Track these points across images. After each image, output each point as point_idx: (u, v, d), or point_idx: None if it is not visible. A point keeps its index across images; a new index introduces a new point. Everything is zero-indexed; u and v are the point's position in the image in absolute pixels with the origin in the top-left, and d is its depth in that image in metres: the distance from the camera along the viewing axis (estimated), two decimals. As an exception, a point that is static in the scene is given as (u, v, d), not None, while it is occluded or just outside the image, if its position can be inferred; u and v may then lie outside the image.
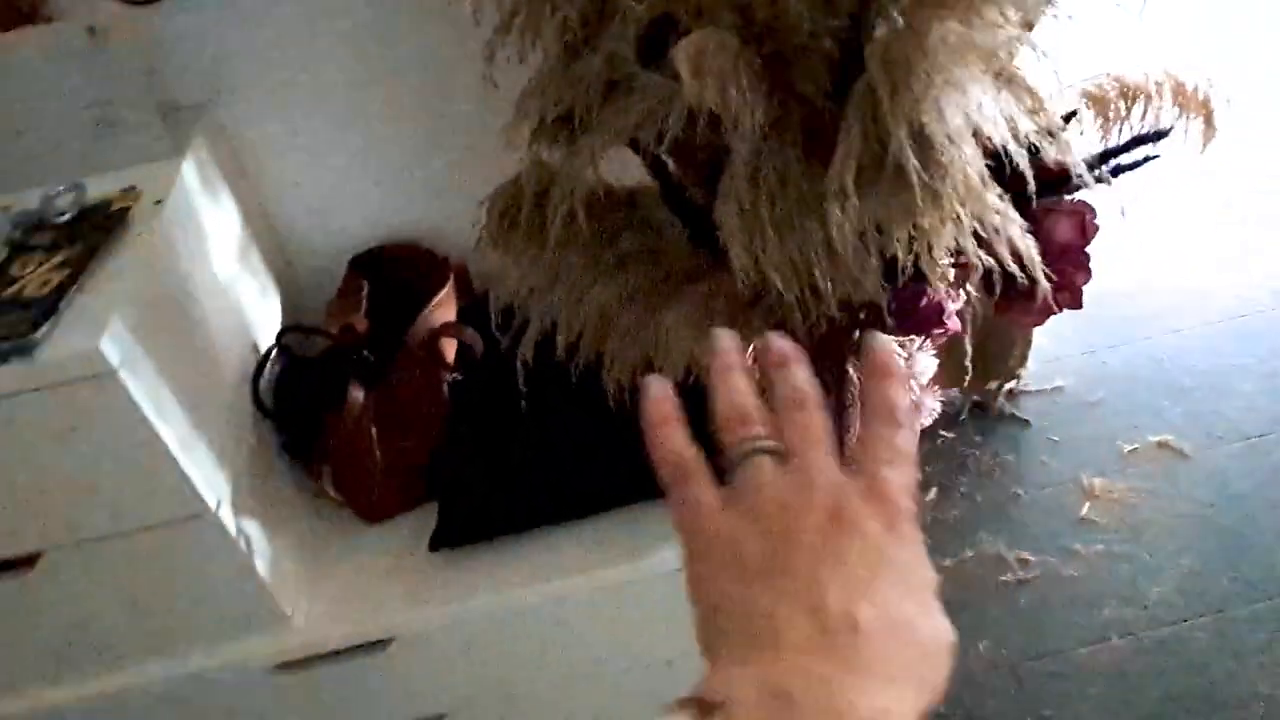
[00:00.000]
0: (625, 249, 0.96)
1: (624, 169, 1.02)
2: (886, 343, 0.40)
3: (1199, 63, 1.12)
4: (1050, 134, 0.73)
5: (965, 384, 1.79)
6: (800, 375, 0.37)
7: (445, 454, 1.20)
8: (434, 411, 1.22)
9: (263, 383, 1.15)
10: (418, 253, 1.36)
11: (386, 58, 1.22)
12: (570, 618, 1.17)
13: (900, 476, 0.37)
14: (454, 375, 1.25)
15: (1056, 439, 1.79)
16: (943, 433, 1.83)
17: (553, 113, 0.77)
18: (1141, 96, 1.11)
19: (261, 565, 1.06)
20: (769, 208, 0.85)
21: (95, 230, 0.96)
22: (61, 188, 1.01)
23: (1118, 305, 2.06)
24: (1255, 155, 2.28)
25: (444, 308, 1.25)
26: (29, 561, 0.97)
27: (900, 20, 0.74)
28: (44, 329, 0.84)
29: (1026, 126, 0.72)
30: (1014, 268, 0.84)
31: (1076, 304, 1.08)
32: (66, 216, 0.98)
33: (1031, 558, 1.59)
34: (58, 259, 0.93)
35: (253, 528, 1.05)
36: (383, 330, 1.23)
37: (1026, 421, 1.83)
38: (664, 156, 1.00)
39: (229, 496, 1.01)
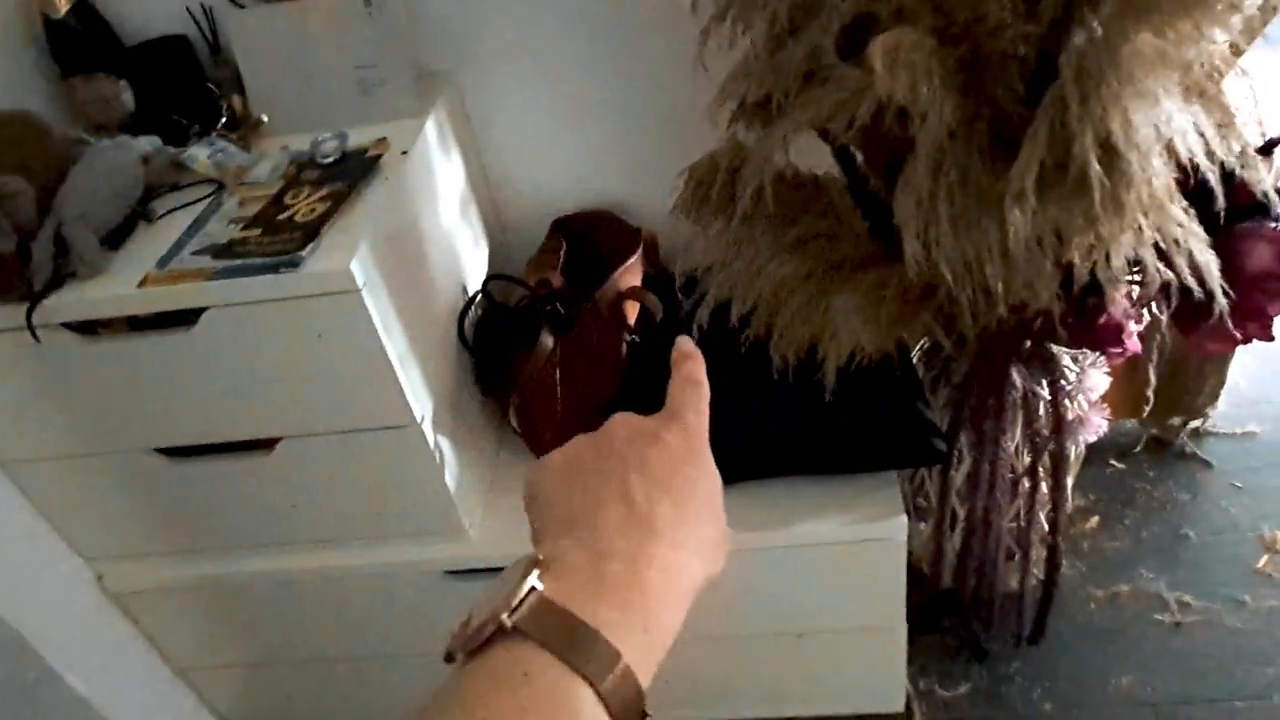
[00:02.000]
0: (805, 231, 1.02)
1: (813, 157, 1.08)
2: (689, 342, 0.53)
3: None
4: (1243, 154, 0.74)
5: (1145, 415, 1.73)
6: (694, 367, 0.51)
7: (618, 406, 1.31)
8: (613, 366, 1.33)
9: (466, 321, 1.30)
10: (613, 220, 1.47)
11: (608, 40, 1.33)
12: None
13: (698, 417, 0.48)
14: (633, 336, 1.35)
15: (1240, 485, 1.70)
16: (1113, 462, 1.78)
17: (753, 96, 0.85)
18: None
19: (450, 479, 1.20)
20: (947, 202, 0.89)
21: (353, 172, 1.12)
22: (328, 134, 1.18)
23: (1333, 355, 1.91)
24: None
25: (631, 273, 1.36)
26: (270, 444, 1.15)
27: (1098, 29, 0.77)
28: (309, 248, 1.00)
29: (1218, 144, 0.73)
30: (1192, 283, 0.84)
31: (1266, 335, 1.05)
32: (331, 159, 1.16)
33: (1194, 602, 1.53)
34: (322, 192, 1.10)
35: (446, 445, 1.20)
36: (575, 287, 1.35)
37: (1209, 463, 1.75)
38: (852, 148, 1.06)
39: (430, 414, 1.15)
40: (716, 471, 0.47)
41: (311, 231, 1.02)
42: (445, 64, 1.36)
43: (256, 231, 1.05)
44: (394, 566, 1.28)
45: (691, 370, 0.51)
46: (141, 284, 1.02)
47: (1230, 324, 1.00)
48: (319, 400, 1.10)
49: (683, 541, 0.43)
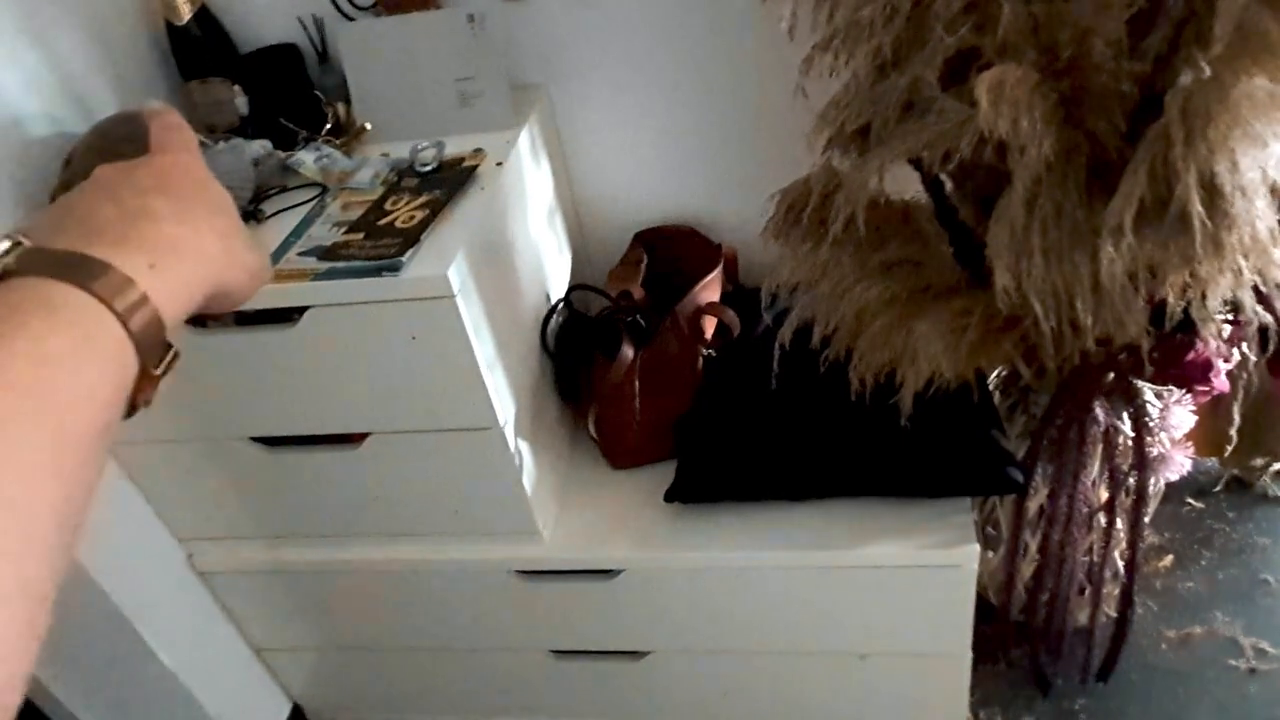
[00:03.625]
0: (892, 256, 1.03)
1: (899, 183, 1.09)
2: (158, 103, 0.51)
3: None
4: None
5: (1226, 454, 1.69)
6: (170, 117, 0.50)
7: (692, 419, 1.33)
8: (689, 379, 1.35)
9: (549, 329, 1.33)
10: (694, 236, 1.49)
11: (696, 58, 1.36)
12: (776, 590, 1.26)
13: (189, 153, 0.49)
14: (710, 350, 1.37)
15: (1325, 532, 1.65)
16: (1190, 501, 1.74)
17: (853, 124, 0.86)
18: None
19: (527, 483, 1.24)
20: (1041, 235, 0.90)
21: (450, 181, 1.17)
22: (427, 143, 1.23)
23: None
24: None
25: (711, 288, 1.38)
26: (359, 439, 1.20)
27: (1206, 70, 0.77)
28: (409, 253, 1.04)
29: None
30: (1289, 326, 0.83)
31: (1364, 381, 1.02)
32: (429, 167, 1.20)
33: (1271, 649, 1.49)
34: (421, 200, 1.14)
35: (525, 450, 1.23)
36: (654, 300, 1.38)
37: (1292, 508, 1.70)
38: (942, 176, 1.07)
39: (512, 418, 1.19)
40: (226, 192, 0.49)
41: (412, 238, 1.07)
42: (538, 77, 1.40)
43: (359, 235, 1.10)
44: (468, 564, 1.32)
45: (168, 118, 0.51)
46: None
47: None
48: (408, 400, 1.14)
49: (186, 220, 0.43)
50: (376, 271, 1.04)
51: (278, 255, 1.10)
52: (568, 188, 1.50)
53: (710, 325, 1.39)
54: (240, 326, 1.11)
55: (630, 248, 1.49)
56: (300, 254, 1.10)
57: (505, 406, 1.17)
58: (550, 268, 1.39)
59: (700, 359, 1.37)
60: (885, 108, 0.83)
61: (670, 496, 1.28)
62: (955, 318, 1.08)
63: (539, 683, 1.47)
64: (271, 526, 1.35)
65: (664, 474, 1.31)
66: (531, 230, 1.31)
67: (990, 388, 1.33)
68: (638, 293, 1.37)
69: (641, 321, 1.33)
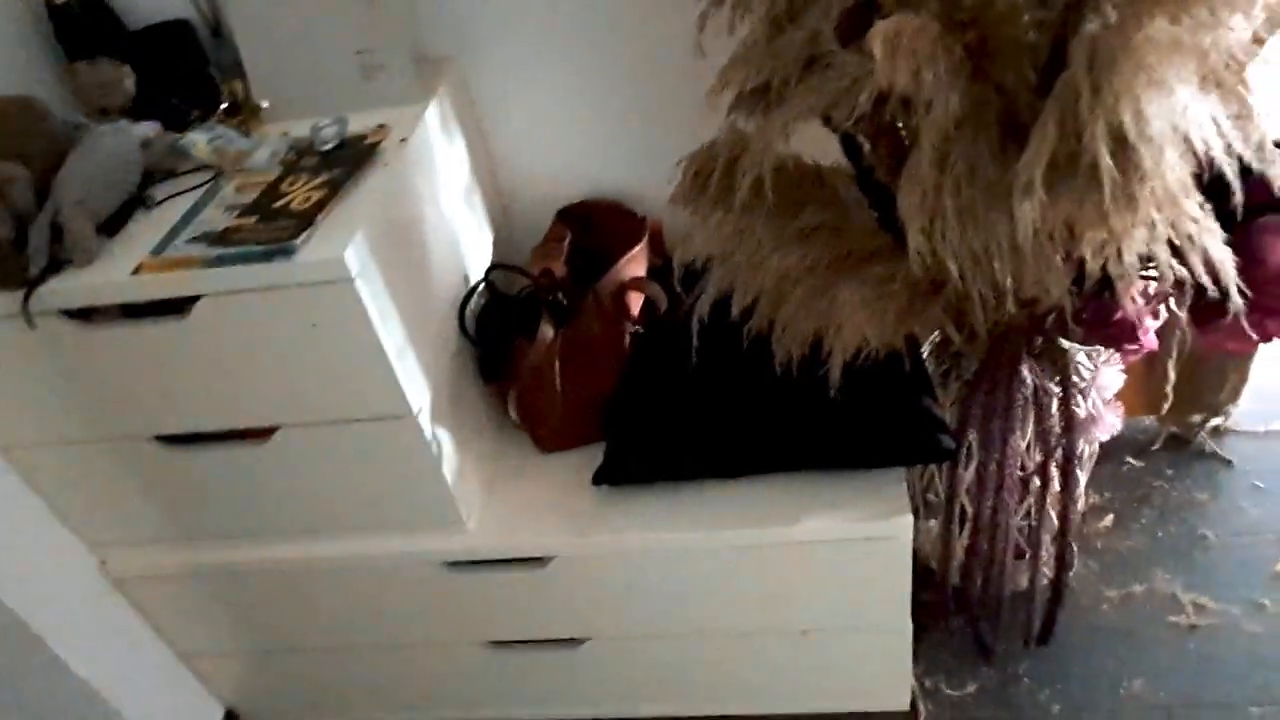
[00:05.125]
0: (809, 222, 1.00)
1: (822, 146, 1.06)
2: None
3: None
4: (1260, 148, 0.70)
5: (1163, 412, 1.69)
6: None
7: (619, 399, 1.29)
8: (614, 358, 1.31)
9: (468, 311, 1.29)
10: (619, 210, 1.45)
11: (610, 28, 1.31)
12: (713, 571, 1.24)
13: None
14: (637, 327, 1.33)
15: (1261, 485, 1.66)
16: (1130, 460, 1.74)
17: (752, 83, 0.82)
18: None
19: (448, 471, 1.19)
20: (954, 195, 0.86)
21: (351, 159, 1.11)
22: (328, 121, 1.17)
23: (1362, 353, 1.86)
24: None
25: (635, 263, 1.34)
26: (266, 433, 1.15)
27: (1112, 15, 0.74)
28: (303, 236, 0.99)
29: (1234, 136, 0.70)
30: (1207, 281, 0.81)
31: (1286, 333, 1.01)
32: (330, 145, 1.14)
33: (1210, 605, 1.50)
34: (319, 180, 1.08)
35: (445, 437, 1.19)
36: (578, 278, 1.34)
37: (1229, 462, 1.71)
38: (860, 138, 1.03)
39: (429, 405, 1.14)
40: None
41: (306, 220, 1.01)
42: (449, 50, 1.34)
43: (252, 219, 1.04)
44: (392, 557, 1.27)
45: None
46: (136, 271, 1.02)
47: (1248, 322, 0.96)
48: (314, 390, 1.09)
49: None
50: (268, 256, 0.99)
51: (165, 243, 1.04)
52: (486, 164, 1.45)
53: (637, 301, 1.36)
54: (128, 319, 1.05)
55: (553, 224, 1.45)
56: (190, 241, 1.04)
57: (419, 393, 1.12)
58: (468, 247, 1.34)
59: (627, 336, 1.33)
60: (785, 65, 0.80)
61: (599, 479, 1.24)
62: (879, 284, 1.05)
63: (475, 675, 1.44)
64: (185, 528, 1.29)
65: (594, 456, 1.27)
66: (444, 209, 1.26)
67: (924, 354, 1.31)
68: (560, 270, 1.32)
69: (563, 300, 1.28)
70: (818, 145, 1.03)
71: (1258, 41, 0.86)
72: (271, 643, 1.45)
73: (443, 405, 1.18)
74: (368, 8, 1.18)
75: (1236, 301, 0.81)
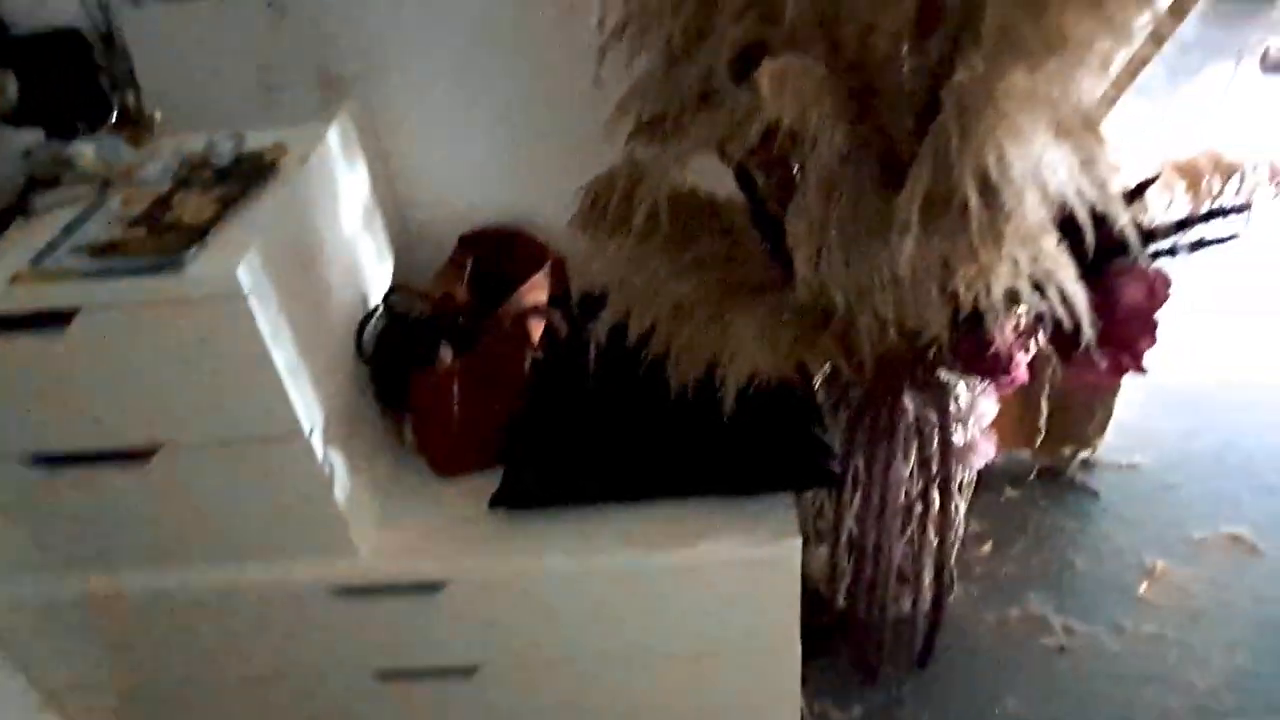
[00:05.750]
0: (704, 251, 1.03)
1: (719, 179, 1.10)
2: None
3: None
4: (1104, 193, 0.77)
5: (1038, 445, 1.79)
6: None
7: (518, 423, 1.30)
8: (514, 383, 1.32)
9: (366, 334, 1.27)
10: (521, 237, 1.47)
11: (514, 56, 1.33)
12: (607, 594, 1.24)
13: None
14: (537, 353, 1.34)
15: (1125, 515, 1.77)
16: (1008, 490, 1.83)
17: (649, 114, 0.85)
18: (1236, 175, 1.12)
19: (340, 495, 1.17)
20: (839, 227, 0.91)
21: (247, 176, 1.09)
22: (225, 136, 1.15)
23: (1212, 391, 2.02)
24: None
25: (537, 290, 1.35)
26: (148, 454, 1.11)
27: (979, 66, 0.80)
28: (193, 251, 0.97)
29: (1083, 182, 0.76)
30: (1063, 314, 0.87)
31: (1139, 368, 1.10)
32: (225, 161, 1.12)
33: (1078, 627, 1.58)
34: (212, 195, 1.06)
35: (337, 460, 1.17)
36: (480, 303, 1.34)
37: (1096, 493, 1.82)
38: (754, 170, 1.08)
39: (321, 426, 1.12)
40: None
41: (197, 234, 0.99)
42: (353, 71, 1.34)
43: (139, 232, 1.01)
44: (280, 584, 1.24)
45: None
46: (12, 282, 0.98)
47: (1100, 355, 1.04)
48: (200, 409, 1.06)
49: None
50: (155, 269, 0.96)
51: (44, 254, 1.00)
52: (388, 187, 1.44)
53: (538, 328, 1.37)
54: (6, 332, 1.00)
55: (455, 250, 1.45)
56: (71, 252, 1.01)
57: (311, 414, 1.10)
58: (368, 270, 1.33)
59: (528, 362, 1.34)
60: (680, 98, 0.83)
61: (495, 503, 1.24)
62: (771, 313, 1.09)
63: (366, 707, 1.40)
64: (56, 555, 1.23)
65: (492, 481, 1.27)
66: (344, 229, 1.25)
67: (816, 384, 1.36)
68: (461, 295, 1.33)
69: (464, 324, 1.29)
70: (714, 177, 1.08)
71: (1111, 97, 0.95)
72: (149, 677, 1.38)
73: (336, 427, 1.16)
74: (272, 25, 1.17)
75: (1089, 334, 0.87)
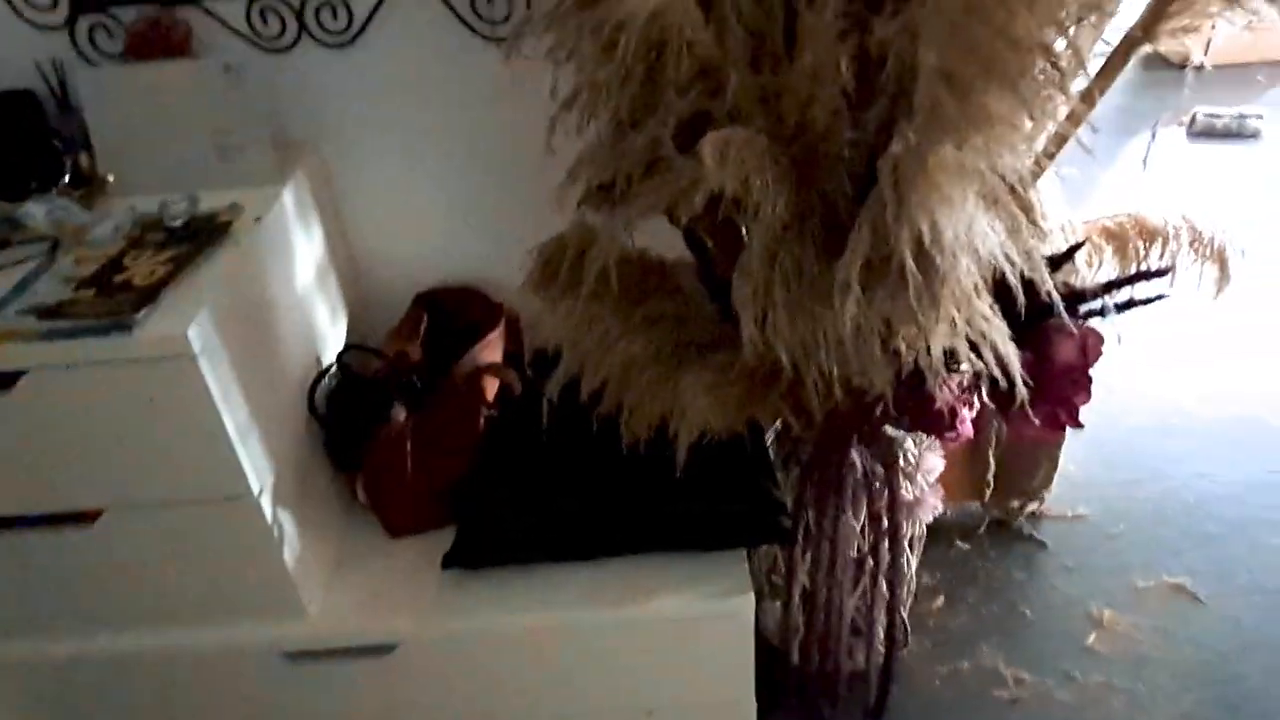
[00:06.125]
0: (654, 311, 1.06)
1: (670, 241, 1.13)
2: None
3: (1214, 213, 1.20)
4: (1030, 258, 0.81)
5: (987, 498, 1.83)
6: None
7: (471, 482, 1.30)
8: (468, 442, 1.32)
9: (319, 392, 1.27)
10: (475, 296, 1.48)
11: (467, 120, 1.37)
12: (561, 653, 1.24)
13: None
14: (492, 411, 1.35)
15: (1071, 565, 1.80)
16: (958, 542, 1.86)
17: (598, 180, 0.88)
18: (1159, 238, 1.18)
19: (289, 556, 1.16)
20: (783, 290, 0.94)
21: (200, 236, 1.10)
22: (178, 198, 1.16)
23: (1151, 443, 2.08)
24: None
25: (491, 348, 1.36)
26: (92, 517, 1.09)
27: (912, 139, 0.84)
28: (143, 312, 0.97)
29: (1009, 246, 0.80)
30: (998, 373, 0.91)
31: (1075, 423, 1.14)
32: (178, 222, 1.13)
33: (1028, 677, 1.60)
34: (165, 256, 1.07)
35: (287, 520, 1.16)
36: (434, 361, 1.35)
37: (1044, 544, 1.85)
38: (703, 233, 1.11)
39: (270, 486, 1.11)
40: None
41: (149, 294, 0.99)
42: (309, 133, 1.36)
43: (89, 293, 1.01)
44: (228, 648, 1.21)
45: None
46: (-44, 343, 0.97)
47: (1042, 412, 1.08)
48: (148, 469, 1.05)
49: None
50: (105, 330, 0.96)
51: (-9, 314, 1.00)
52: (344, 246, 1.45)
53: (493, 386, 1.38)
54: (-54, 394, 0.99)
55: (410, 309, 1.46)
56: (19, 313, 1.00)
57: (261, 474, 1.09)
58: (322, 329, 1.34)
59: (482, 420, 1.35)
60: (628, 165, 0.86)
61: (448, 563, 1.23)
62: (720, 372, 1.11)
63: (313, 775, 1.36)
64: (-8, 621, 1.19)
65: (445, 540, 1.26)
66: (298, 289, 1.26)
67: (768, 440, 1.38)
68: (415, 353, 1.34)
69: (417, 383, 1.29)
70: (666, 238, 1.11)
71: (1037, 170, 1.00)
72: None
73: (287, 486, 1.16)
74: (227, 88, 1.19)
75: (1022, 391, 0.91)
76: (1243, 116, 3.57)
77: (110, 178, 1.22)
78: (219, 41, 1.30)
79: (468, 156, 1.40)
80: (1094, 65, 0.96)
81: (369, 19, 1.29)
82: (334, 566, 1.28)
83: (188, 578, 1.15)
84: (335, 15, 1.29)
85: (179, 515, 1.08)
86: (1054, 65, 0.68)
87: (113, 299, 1.00)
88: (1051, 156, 0.98)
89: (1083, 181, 1.20)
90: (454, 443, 1.31)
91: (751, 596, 1.19)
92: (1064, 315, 0.92)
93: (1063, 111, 0.89)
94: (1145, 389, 2.20)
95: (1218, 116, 3.57)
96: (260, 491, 1.09)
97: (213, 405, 1.00)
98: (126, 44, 1.27)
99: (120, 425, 1.01)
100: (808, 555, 1.33)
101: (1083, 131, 0.90)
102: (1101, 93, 0.93)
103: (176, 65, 1.22)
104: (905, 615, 1.57)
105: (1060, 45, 0.70)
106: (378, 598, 1.24)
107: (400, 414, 1.25)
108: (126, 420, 1.01)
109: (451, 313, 1.46)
